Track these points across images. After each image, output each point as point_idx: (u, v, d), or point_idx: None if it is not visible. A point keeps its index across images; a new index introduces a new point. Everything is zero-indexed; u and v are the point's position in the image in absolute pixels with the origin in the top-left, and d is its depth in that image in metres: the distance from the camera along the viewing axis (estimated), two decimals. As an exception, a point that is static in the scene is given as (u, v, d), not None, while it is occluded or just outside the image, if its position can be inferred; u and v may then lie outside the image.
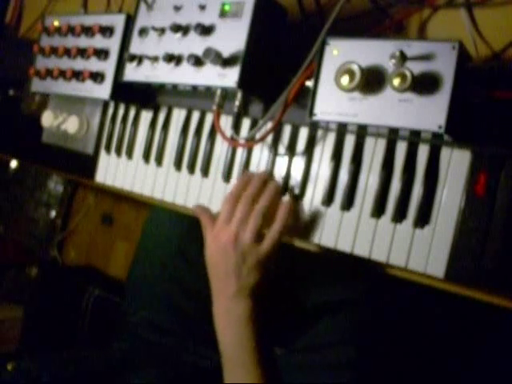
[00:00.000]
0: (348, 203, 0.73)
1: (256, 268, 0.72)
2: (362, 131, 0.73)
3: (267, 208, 0.74)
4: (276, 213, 0.75)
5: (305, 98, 0.72)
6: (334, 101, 0.68)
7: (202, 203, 0.85)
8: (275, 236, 0.73)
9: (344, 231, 0.73)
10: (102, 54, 0.89)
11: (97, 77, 0.89)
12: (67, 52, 0.93)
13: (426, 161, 0.69)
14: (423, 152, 0.69)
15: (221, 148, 0.86)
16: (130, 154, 0.97)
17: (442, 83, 0.61)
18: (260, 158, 0.82)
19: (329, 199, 0.75)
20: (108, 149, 1.00)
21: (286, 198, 0.78)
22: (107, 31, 0.89)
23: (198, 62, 0.76)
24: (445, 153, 0.68)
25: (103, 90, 0.89)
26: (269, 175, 0.79)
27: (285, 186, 0.79)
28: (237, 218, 0.73)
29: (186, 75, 0.78)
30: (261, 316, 0.73)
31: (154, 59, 0.81)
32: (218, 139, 0.87)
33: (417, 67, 0.61)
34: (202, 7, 0.78)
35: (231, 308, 0.73)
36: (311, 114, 0.69)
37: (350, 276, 0.96)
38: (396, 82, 0.61)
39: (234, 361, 0.74)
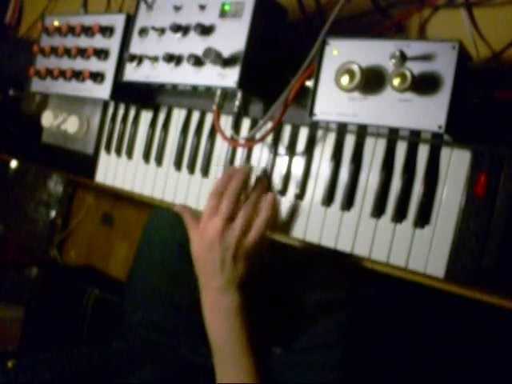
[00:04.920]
0: (348, 203, 0.73)
1: (242, 261, 0.74)
2: (361, 131, 0.73)
3: (257, 204, 0.76)
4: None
5: (305, 98, 0.71)
6: (333, 101, 0.68)
7: (202, 203, 0.85)
8: (261, 228, 0.75)
9: (344, 231, 0.73)
10: (102, 54, 0.89)
11: (97, 77, 0.89)
12: (67, 52, 0.93)
13: (426, 161, 0.69)
14: (423, 152, 0.69)
15: (221, 148, 0.87)
16: (129, 154, 0.97)
17: (442, 83, 0.61)
18: (260, 157, 0.82)
19: (329, 199, 0.75)
20: (108, 149, 1.00)
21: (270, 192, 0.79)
22: (107, 31, 0.89)
23: (197, 61, 0.76)
24: (445, 153, 0.68)
25: (103, 90, 0.89)
26: (251, 169, 0.80)
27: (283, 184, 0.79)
28: (222, 212, 0.75)
29: (186, 75, 0.78)
30: (248, 307, 0.75)
31: (154, 59, 0.81)
32: (218, 139, 0.87)
33: (417, 67, 0.61)
34: (202, 7, 0.78)
35: (219, 301, 0.75)
36: (311, 113, 0.69)
37: (347, 276, 0.96)
38: (396, 81, 0.61)
39: (224, 353, 0.75)
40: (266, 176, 0.81)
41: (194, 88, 0.80)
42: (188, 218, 0.81)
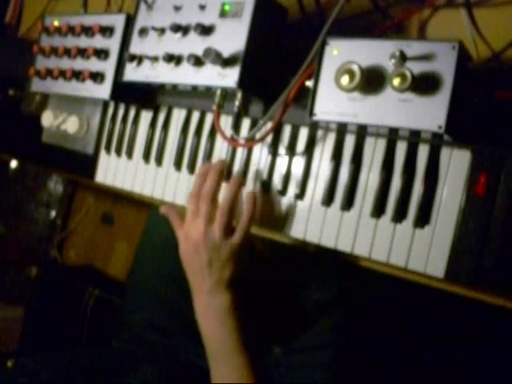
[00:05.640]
0: (348, 203, 0.73)
1: (229, 261, 0.75)
2: (361, 131, 0.73)
3: (232, 203, 0.76)
4: (240, 204, 0.78)
5: (305, 98, 0.71)
6: (333, 101, 0.68)
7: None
8: (245, 227, 0.75)
9: (344, 231, 0.73)
10: (102, 54, 0.89)
11: (97, 77, 0.89)
12: (67, 52, 0.93)
13: (426, 161, 0.69)
14: (423, 152, 0.69)
15: (221, 148, 0.86)
16: (129, 154, 0.97)
17: (442, 83, 0.61)
18: (260, 157, 0.82)
19: (329, 199, 0.75)
20: (108, 149, 1.00)
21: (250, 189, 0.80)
22: (107, 31, 0.89)
23: (198, 61, 0.76)
24: (445, 153, 0.68)
25: (103, 90, 0.89)
26: (225, 164, 0.80)
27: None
28: (202, 214, 0.75)
29: (186, 75, 0.78)
30: (240, 306, 0.75)
31: (154, 59, 0.81)
32: (218, 139, 0.87)
33: (417, 67, 0.61)
34: (202, 7, 0.78)
35: (210, 302, 0.75)
36: (311, 113, 0.69)
37: (347, 276, 0.96)
38: (396, 81, 0.61)
39: (217, 353, 0.75)
40: (230, 171, 0.82)
41: (194, 88, 0.80)
42: (174, 219, 0.81)
